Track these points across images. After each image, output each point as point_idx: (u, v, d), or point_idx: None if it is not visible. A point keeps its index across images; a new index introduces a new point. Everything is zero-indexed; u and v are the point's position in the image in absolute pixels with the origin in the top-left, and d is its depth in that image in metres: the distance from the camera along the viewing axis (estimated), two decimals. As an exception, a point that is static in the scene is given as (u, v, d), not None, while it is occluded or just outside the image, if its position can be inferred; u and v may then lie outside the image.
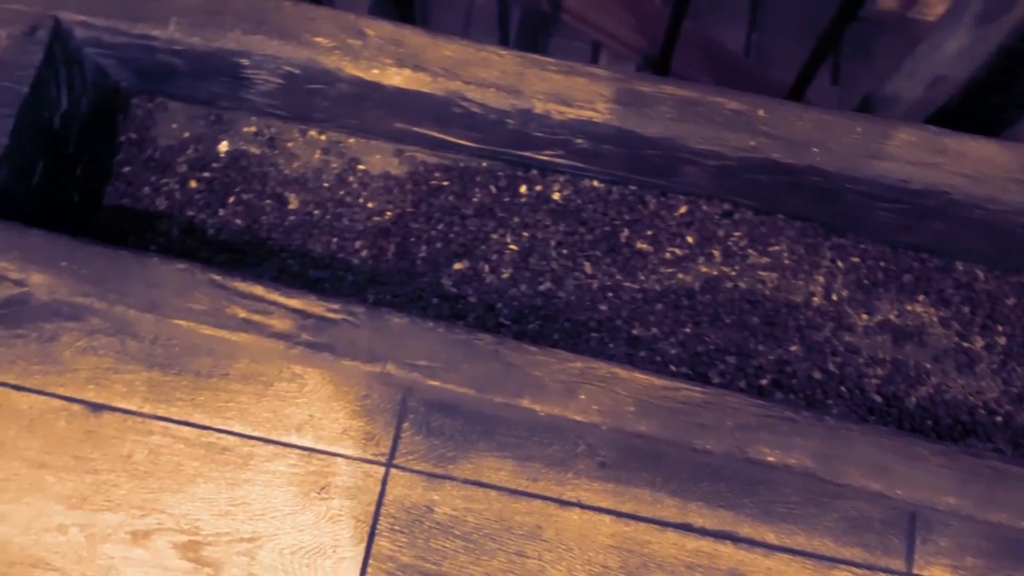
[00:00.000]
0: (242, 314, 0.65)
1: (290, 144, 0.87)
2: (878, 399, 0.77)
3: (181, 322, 0.65)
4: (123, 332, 0.90)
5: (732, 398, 0.62)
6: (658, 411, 0.62)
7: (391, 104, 0.76)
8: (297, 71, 0.74)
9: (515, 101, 0.71)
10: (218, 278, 0.66)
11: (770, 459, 0.61)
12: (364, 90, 0.74)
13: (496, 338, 0.64)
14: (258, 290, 0.66)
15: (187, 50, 0.75)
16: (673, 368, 0.76)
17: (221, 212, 0.85)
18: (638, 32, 0.97)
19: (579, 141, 0.74)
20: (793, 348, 0.78)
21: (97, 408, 0.88)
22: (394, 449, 0.87)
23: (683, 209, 0.80)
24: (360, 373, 0.69)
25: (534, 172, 0.83)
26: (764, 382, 0.76)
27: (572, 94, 0.70)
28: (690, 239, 0.80)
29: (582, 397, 0.63)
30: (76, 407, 0.88)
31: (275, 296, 0.66)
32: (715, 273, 0.80)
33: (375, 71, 0.72)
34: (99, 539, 0.85)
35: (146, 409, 0.88)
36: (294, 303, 0.66)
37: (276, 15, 0.73)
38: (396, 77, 0.72)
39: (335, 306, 0.66)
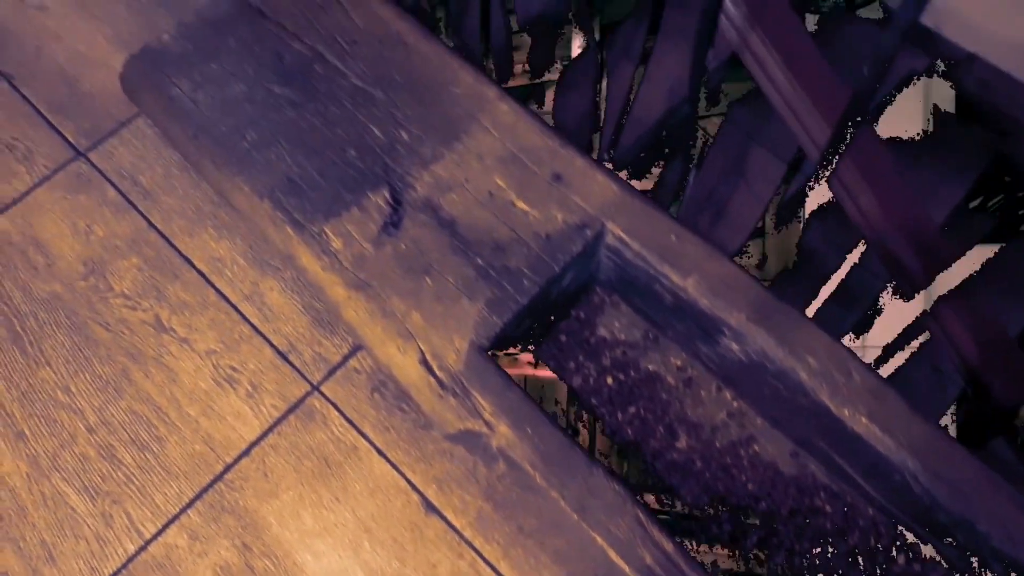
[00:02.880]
0: (648, 560, 0.72)
1: (703, 392, 0.95)
2: None
3: (597, 536, 0.73)
4: (476, 453, 1.01)
5: None
6: None
7: (833, 431, 0.81)
8: (770, 366, 0.82)
9: (965, 508, 0.73)
10: (643, 517, 0.73)
11: None
12: (820, 413, 0.80)
13: None
14: (668, 547, 0.72)
15: (687, 300, 0.85)
16: None
17: (619, 416, 0.94)
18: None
19: None
20: None
21: (430, 508, 0.98)
22: None
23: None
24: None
25: (913, 543, 0.84)
26: None
27: (1025, 535, 0.72)
28: None
29: None
30: (415, 497, 0.99)
31: (680, 561, 0.72)
32: None
33: (845, 411, 0.78)
34: (376, 621, 0.93)
35: (467, 533, 0.97)
36: (693, 576, 0.71)
37: (784, 320, 0.82)
38: (862, 423, 0.77)
39: (727, 601, 0.70)
